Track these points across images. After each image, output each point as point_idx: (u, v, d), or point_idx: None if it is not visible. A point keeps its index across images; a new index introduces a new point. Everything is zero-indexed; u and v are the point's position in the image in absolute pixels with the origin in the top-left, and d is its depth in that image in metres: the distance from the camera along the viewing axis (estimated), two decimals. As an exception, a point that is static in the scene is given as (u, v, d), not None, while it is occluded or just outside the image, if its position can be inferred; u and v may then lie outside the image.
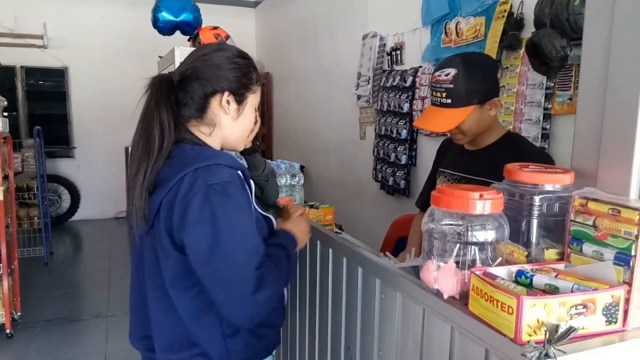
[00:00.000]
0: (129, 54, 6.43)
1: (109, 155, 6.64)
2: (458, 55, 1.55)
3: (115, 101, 6.39)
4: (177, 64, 3.59)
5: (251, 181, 1.19)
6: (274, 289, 1.10)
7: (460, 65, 1.47)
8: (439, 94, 1.49)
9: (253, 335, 1.20)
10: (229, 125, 1.19)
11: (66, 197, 6.57)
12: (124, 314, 3.75)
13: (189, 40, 3.96)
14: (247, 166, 1.67)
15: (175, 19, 3.79)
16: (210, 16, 4.14)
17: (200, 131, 1.17)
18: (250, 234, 1.09)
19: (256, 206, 1.19)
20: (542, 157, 1.50)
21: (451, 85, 1.46)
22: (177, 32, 3.98)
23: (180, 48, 3.67)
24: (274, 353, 1.32)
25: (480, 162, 1.60)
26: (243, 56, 1.20)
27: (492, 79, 1.55)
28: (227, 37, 3.90)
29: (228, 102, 1.16)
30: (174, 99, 1.13)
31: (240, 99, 1.18)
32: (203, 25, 3.93)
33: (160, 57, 4.47)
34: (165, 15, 3.79)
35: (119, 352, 3.10)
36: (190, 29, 3.85)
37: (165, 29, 3.90)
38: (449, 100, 1.47)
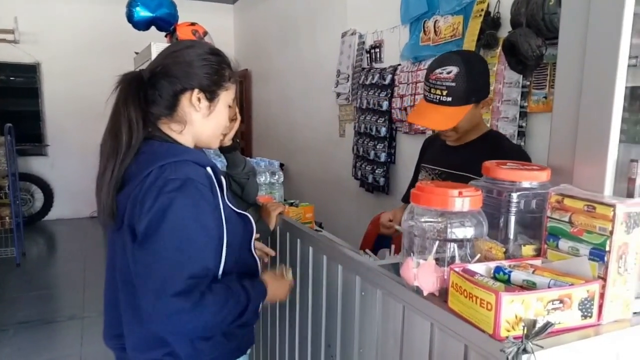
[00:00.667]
0: (104, 50, 6.29)
1: (84, 153, 6.48)
2: (456, 53, 1.56)
3: (89, 98, 6.24)
4: (153, 60, 3.55)
5: (222, 179, 1.16)
6: (204, 317, 1.04)
7: (462, 64, 1.47)
8: (438, 92, 1.48)
9: (222, 334, 1.19)
10: (200, 122, 1.17)
11: (39, 196, 6.41)
12: (99, 315, 3.65)
13: (166, 36, 3.90)
14: (226, 164, 1.65)
15: (151, 14, 3.72)
16: (188, 12, 4.08)
17: (171, 129, 1.16)
18: (196, 237, 1.04)
19: (229, 204, 1.17)
20: (519, 155, 1.53)
21: (453, 84, 1.45)
22: (154, 28, 3.91)
23: (157, 44, 3.60)
24: (248, 352, 1.30)
25: (460, 157, 1.62)
26: (215, 53, 1.19)
27: (488, 77, 1.58)
28: (205, 33, 3.85)
29: (199, 99, 1.15)
30: (142, 96, 1.12)
31: (211, 97, 1.17)
32: (180, 21, 3.87)
33: (137, 53, 4.38)
34: (141, 11, 3.72)
35: (95, 354, 3.04)
36: (167, 24, 3.78)
37: (141, 24, 3.82)
38: (449, 99, 1.47)
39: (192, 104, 1.15)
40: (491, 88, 2.67)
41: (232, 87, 1.22)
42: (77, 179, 6.49)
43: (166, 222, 1.01)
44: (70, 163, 6.52)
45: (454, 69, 1.45)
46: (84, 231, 6.10)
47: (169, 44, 1.29)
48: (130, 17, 3.82)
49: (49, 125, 6.46)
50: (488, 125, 2.67)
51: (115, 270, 1.17)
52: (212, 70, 1.16)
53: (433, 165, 1.74)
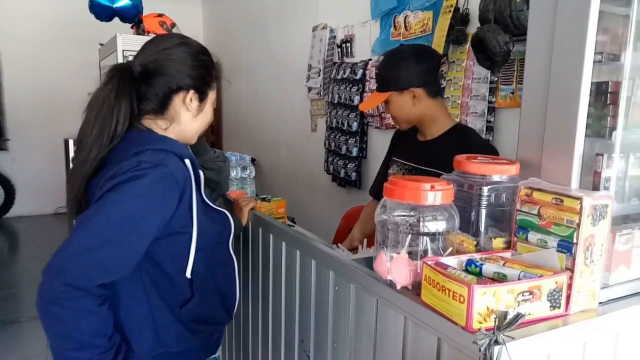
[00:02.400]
0: (68, 41, 6.07)
1: (47, 147, 6.27)
2: (404, 45, 1.66)
3: (53, 90, 6.04)
4: (119, 52, 3.46)
5: (201, 173, 1.15)
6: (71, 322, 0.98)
7: (385, 54, 1.68)
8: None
9: (186, 328, 1.17)
10: (188, 121, 1.17)
11: (-1, 192, 6.18)
12: (66, 314, 3.59)
13: (132, 27, 3.80)
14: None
15: (110, 5, 3.61)
16: (155, 3, 3.98)
17: (157, 124, 1.14)
18: (128, 232, 1.00)
19: (207, 200, 1.15)
20: (487, 149, 1.55)
21: (376, 71, 1.70)
22: (118, 19, 3.80)
23: (123, 35, 3.51)
24: (218, 355, 1.29)
25: (428, 152, 1.64)
26: (205, 52, 1.19)
27: (408, 69, 1.57)
28: (173, 25, 3.77)
29: (191, 99, 1.14)
30: (134, 92, 1.09)
31: (202, 97, 1.17)
32: (147, 12, 3.78)
33: (102, 44, 4.26)
34: (101, 0, 3.61)
35: (61, 355, 2.96)
36: (130, 15, 3.68)
37: (102, 14, 3.71)
38: (375, 85, 1.65)
39: (185, 104, 1.14)
40: (460, 83, 2.72)
41: (216, 86, 1.22)
42: (40, 174, 6.28)
43: (118, 194, 0.98)
44: (33, 158, 6.29)
45: (381, 58, 1.65)
46: (48, 228, 5.91)
47: (155, 36, 1.25)
48: (90, 7, 3.70)
49: (9, 119, 6.20)
50: (457, 119, 2.71)
51: None
52: (205, 70, 1.16)
53: (404, 160, 1.76)
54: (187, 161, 1.10)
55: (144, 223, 1.02)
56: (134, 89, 1.09)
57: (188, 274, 1.13)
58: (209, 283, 1.20)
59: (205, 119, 1.21)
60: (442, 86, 1.68)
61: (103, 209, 0.98)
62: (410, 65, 1.58)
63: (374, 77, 3.25)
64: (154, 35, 1.26)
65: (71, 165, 1.09)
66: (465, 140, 1.59)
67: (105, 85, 1.08)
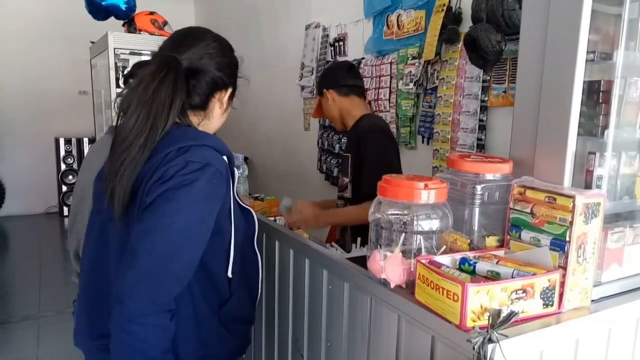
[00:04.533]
0: (56, 39, 6.00)
1: (37, 146, 6.21)
2: None
3: (42, 89, 5.97)
4: (111, 50, 3.43)
5: (235, 170, 1.13)
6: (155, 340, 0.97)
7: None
8: None
9: (225, 328, 1.16)
10: (217, 117, 1.18)
11: (-12, 192, 6.11)
12: (57, 314, 3.55)
13: (123, 25, 3.76)
14: None
15: (100, 2, 3.57)
16: (147, 1, 3.95)
17: (190, 119, 1.12)
18: (193, 238, 1.00)
19: (237, 198, 1.14)
20: (370, 133, 1.87)
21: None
22: (113, 18, 3.76)
23: (115, 33, 3.48)
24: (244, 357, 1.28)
25: (347, 141, 2.07)
26: (232, 49, 1.21)
27: (323, 77, 2.08)
28: (165, 23, 3.75)
29: (226, 96, 1.16)
30: (186, 85, 1.07)
31: (232, 94, 1.20)
32: (139, 10, 3.74)
33: (93, 42, 4.22)
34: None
35: (52, 355, 2.93)
36: (122, 13, 3.64)
37: (95, 13, 3.67)
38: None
39: (219, 100, 1.15)
40: (453, 82, 2.73)
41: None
42: (30, 173, 6.21)
43: (175, 202, 0.96)
44: (22, 157, 6.22)
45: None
46: (39, 228, 5.85)
47: (187, 30, 1.20)
48: (86, 5, 3.67)
49: (-2, 117, 6.14)
50: (450, 118, 2.72)
51: (109, 264, 1.10)
52: (236, 68, 1.20)
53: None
54: (225, 158, 1.09)
55: (205, 226, 1.02)
56: (185, 82, 1.07)
57: (229, 273, 1.13)
58: (242, 281, 1.20)
59: (227, 116, 1.22)
60: (361, 85, 2.06)
61: (164, 219, 0.96)
62: (326, 74, 2.11)
63: (367, 76, 3.36)
64: (187, 28, 1.23)
65: (116, 164, 1.00)
66: (358, 127, 1.93)
67: (161, 80, 1.01)
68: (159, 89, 1.01)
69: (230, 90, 1.17)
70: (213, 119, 1.17)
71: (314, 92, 4.16)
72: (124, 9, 3.60)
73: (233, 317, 1.17)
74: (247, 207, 1.20)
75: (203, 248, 1.03)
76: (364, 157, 1.83)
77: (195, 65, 1.09)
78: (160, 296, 0.97)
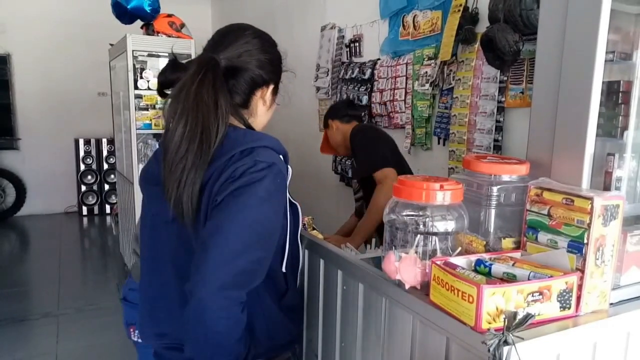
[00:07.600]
0: (77, 41, 6.12)
1: (57, 147, 6.33)
2: None
3: (63, 90, 6.10)
4: (129, 52, 3.47)
5: (289, 168, 1.14)
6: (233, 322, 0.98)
7: None
8: None
9: (289, 319, 1.19)
10: (262, 115, 1.17)
11: (11, 191, 6.23)
12: (77, 312, 3.61)
13: (141, 27, 3.81)
14: None
15: (125, 5, 3.63)
16: (164, 3, 3.99)
17: (233, 118, 1.11)
18: (266, 230, 1.01)
19: (289, 193, 1.16)
20: (353, 140, 2.28)
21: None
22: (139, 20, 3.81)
23: (133, 36, 3.53)
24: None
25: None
26: (275, 44, 1.19)
27: (329, 111, 2.48)
28: (183, 25, 3.79)
29: (269, 93, 1.15)
30: (226, 84, 1.06)
31: (276, 90, 1.18)
32: (155, 13, 3.79)
33: (112, 44, 4.29)
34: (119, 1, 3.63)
35: (71, 352, 2.98)
36: (148, 15, 3.68)
37: (122, 16, 3.73)
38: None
39: (262, 97, 1.14)
40: (469, 83, 2.71)
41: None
42: (51, 173, 6.34)
43: (246, 198, 0.96)
44: (43, 157, 6.36)
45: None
46: (58, 227, 5.96)
47: (228, 28, 1.17)
48: (112, 8, 3.73)
49: (20, 118, 6.27)
50: (466, 119, 2.70)
51: (174, 266, 1.11)
52: (279, 64, 1.18)
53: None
54: (282, 157, 1.10)
55: (274, 222, 1.03)
56: (226, 82, 1.06)
57: (283, 268, 1.14)
58: (293, 275, 1.22)
59: (272, 112, 1.21)
60: (359, 115, 2.50)
61: (236, 216, 0.97)
62: (330, 109, 2.49)
63: (382, 77, 3.42)
64: (228, 26, 1.21)
65: (176, 173, 1.00)
66: (350, 137, 2.30)
67: (200, 82, 1.01)
68: (199, 91, 1.00)
69: (272, 86, 1.15)
70: (258, 116, 1.16)
71: (329, 92, 4.17)
72: (148, 10, 3.65)
73: (292, 308, 1.20)
74: (294, 202, 1.19)
75: (274, 243, 1.04)
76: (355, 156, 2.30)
77: (234, 64, 1.08)
78: (234, 289, 0.97)
